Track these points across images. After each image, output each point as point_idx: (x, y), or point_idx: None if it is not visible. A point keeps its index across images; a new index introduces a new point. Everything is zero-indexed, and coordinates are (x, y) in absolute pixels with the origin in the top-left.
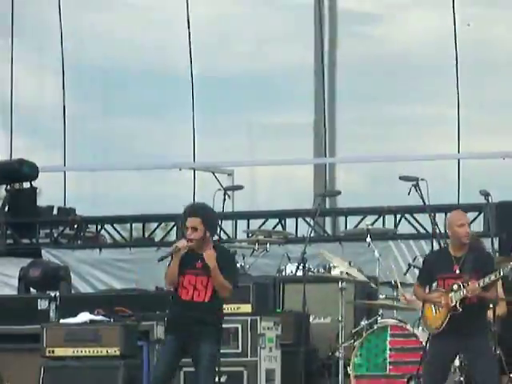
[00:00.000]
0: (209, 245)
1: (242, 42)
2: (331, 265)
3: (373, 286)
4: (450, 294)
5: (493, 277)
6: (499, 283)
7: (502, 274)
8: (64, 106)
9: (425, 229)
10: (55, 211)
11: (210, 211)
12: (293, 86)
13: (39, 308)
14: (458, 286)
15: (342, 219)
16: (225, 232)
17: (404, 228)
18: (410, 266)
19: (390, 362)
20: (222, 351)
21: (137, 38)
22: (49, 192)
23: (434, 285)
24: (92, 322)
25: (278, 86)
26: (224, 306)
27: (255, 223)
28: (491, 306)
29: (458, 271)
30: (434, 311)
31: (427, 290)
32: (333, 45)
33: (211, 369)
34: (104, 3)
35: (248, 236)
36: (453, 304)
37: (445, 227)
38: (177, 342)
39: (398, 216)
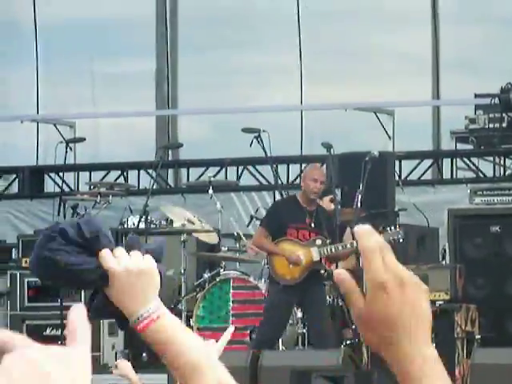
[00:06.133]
0: None
1: None
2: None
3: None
4: (312, 248)
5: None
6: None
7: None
8: None
9: (267, 180)
10: None
11: None
12: (135, 35)
13: None
14: (322, 242)
15: (184, 171)
16: (67, 184)
17: (246, 180)
18: (252, 217)
19: (232, 315)
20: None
21: None
22: None
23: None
24: None
25: (119, 34)
26: None
27: (97, 175)
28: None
29: (312, 225)
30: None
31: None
32: None
33: None
34: None
35: (90, 188)
36: (317, 259)
37: (287, 179)
38: None
39: (241, 168)
